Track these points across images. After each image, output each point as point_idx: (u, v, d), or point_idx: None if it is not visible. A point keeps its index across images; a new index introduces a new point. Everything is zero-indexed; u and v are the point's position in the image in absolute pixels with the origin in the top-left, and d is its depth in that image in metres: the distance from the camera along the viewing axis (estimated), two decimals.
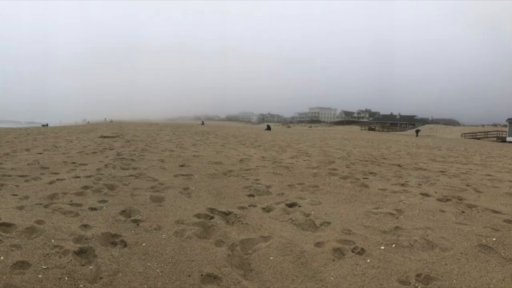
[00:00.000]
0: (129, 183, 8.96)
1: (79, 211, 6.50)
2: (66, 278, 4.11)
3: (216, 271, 4.50)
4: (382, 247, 5.28)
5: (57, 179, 8.96)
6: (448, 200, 8.23)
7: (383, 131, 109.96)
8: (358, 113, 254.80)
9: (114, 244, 5.16)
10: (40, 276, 4.11)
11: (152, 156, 14.32)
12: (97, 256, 4.72)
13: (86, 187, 8.24)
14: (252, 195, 8.29)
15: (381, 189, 9.21)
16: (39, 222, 5.73)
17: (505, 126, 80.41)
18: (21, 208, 6.49)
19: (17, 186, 8.19)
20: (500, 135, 75.48)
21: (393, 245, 5.35)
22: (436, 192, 9.06)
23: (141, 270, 4.46)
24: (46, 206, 6.66)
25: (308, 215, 6.76)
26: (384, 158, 17.27)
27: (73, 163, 11.93)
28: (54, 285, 3.98)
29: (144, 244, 5.20)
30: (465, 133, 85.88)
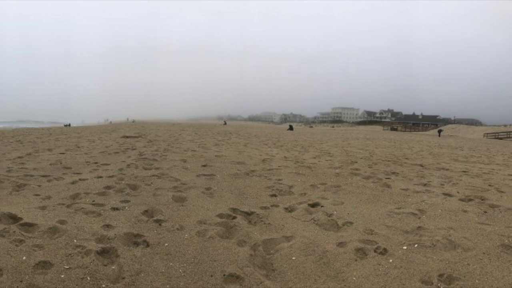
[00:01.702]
0: (151, 183, 8.96)
1: (102, 211, 6.50)
2: (88, 278, 4.11)
3: (239, 271, 4.48)
4: (405, 247, 5.25)
5: (80, 179, 9.00)
6: (470, 200, 8.16)
7: (405, 131, 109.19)
8: (381, 113, 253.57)
9: (136, 244, 5.15)
10: (62, 276, 4.11)
11: (175, 156, 14.33)
12: (119, 256, 4.72)
13: (108, 187, 8.25)
14: (275, 195, 8.26)
15: (404, 189, 9.14)
16: (62, 222, 5.74)
17: None
18: (43, 208, 6.50)
19: (39, 186, 8.22)
20: None
21: (416, 245, 5.31)
22: (458, 192, 8.96)
23: (163, 270, 4.45)
24: (68, 206, 6.68)
25: (330, 215, 6.71)
26: (407, 158, 17.15)
27: (96, 163, 11.98)
28: (77, 285, 3.97)
29: (166, 244, 5.18)
30: (487, 133, 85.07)
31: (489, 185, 10.18)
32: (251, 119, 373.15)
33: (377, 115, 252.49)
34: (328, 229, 6.03)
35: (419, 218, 6.67)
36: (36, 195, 7.41)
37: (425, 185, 9.94)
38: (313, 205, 7.42)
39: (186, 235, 5.55)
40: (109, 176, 9.52)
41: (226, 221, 6.23)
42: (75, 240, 5.06)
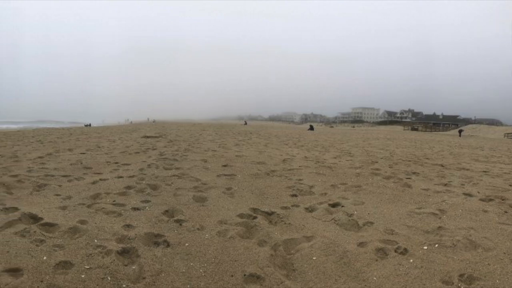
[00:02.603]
0: (172, 183, 8.96)
1: (122, 211, 6.51)
2: (109, 278, 4.10)
3: (259, 271, 4.46)
4: (425, 247, 5.23)
5: (100, 179, 9.02)
6: (491, 200, 8.11)
7: (426, 131, 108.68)
8: (401, 113, 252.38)
9: (157, 244, 5.14)
10: (83, 276, 4.10)
11: (195, 156, 14.34)
12: (140, 256, 4.71)
13: (129, 187, 8.26)
14: (295, 195, 8.23)
15: (424, 189, 9.09)
16: (82, 222, 5.75)
17: None
18: (64, 208, 6.52)
19: (60, 186, 8.25)
20: None
21: (436, 245, 5.29)
22: (479, 192, 8.90)
23: (184, 270, 4.43)
24: (89, 206, 6.70)
25: (351, 215, 6.69)
26: (427, 158, 17.06)
27: (116, 163, 12.02)
28: (97, 285, 3.96)
29: (187, 244, 5.17)
30: (508, 133, 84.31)
31: (510, 185, 10.10)
32: (272, 119, 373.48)
33: (398, 115, 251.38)
34: (349, 229, 6.01)
35: (440, 218, 6.64)
36: (57, 195, 7.44)
37: (445, 185, 9.88)
38: (334, 205, 7.40)
39: (207, 235, 5.54)
40: (130, 176, 9.54)
41: (247, 221, 6.21)
42: (95, 240, 5.06)
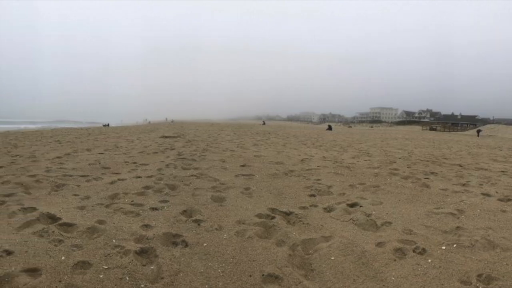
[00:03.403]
0: (190, 183, 8.96)
1: (140, 211, 6.52)
2: (127, 278, 4.09)
3: (277, 271, 4.45)
4: (443, 247, 5.21)
5: (118, 179, 9.05)
6: (509, 200, 8.06)
7: (444, 131, 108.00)
8: (419, 113, 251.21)
9: (175, 244, 5.13)
10: (101, 276, 4.10)
11: (213, 156, 14.36)
12: (158, 256, 4.71)
13: (147, 187, 8.28)
14: (313, 195, 8.20)
15: (442, 189, 9.06)
16: (100, 222, 5.76)
17: None
18: (82, 208, 6.54)
19: (78, 186, 8.28)
20: None
21: (454, 245, 5.27)
22: (497, 192, 8.84)
23: (202, 270, 4.42)
24: (107, 206, 6.71)
25: (369, 215, 6.67)
26: (445, 158, 16.95)
27: (134, 163, 12.05)
28: (115, 285, 3.96)
29: (205, 244, 5.16)
30: None
31: None
32: (290, 119, 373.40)
33: (416, 115, 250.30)
34: (367, 229, 6.00)
35: (458, 218, 6.62)
36: (75, 195, 7.47)
37: (464, 185, 9.83)
38: (352, 205, 7.38)
39: (225, 235, 5.53)
40: (148, 176, 9.56)
41: (265, 221, 6.20)
42: (114, 240, 5.07)
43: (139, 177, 9.46)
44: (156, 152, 15.39)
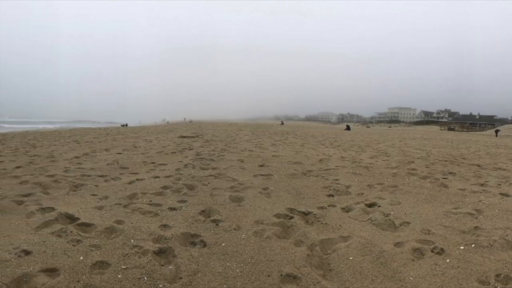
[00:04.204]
0: (208, 183, 8.97)
1: (159, 211, 6.52)
2: (145, 278, 4.09)
3: (296, 271, 4.44)
4: (462, 247, 5.21)
5: (137, 179, 9.07)
6: None
7: (462, 131, 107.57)
8: (438, 113, 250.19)
9: (193, 244, 5.13)
10: (119, 276, 4.10)
11: (232, 156, 14.36)
12: (176, 256, 4.70)
13: (165, 187, 8.29)
14: (332, 195, 8.18)
15: (461, 189, 9.01)
16: (119, 222, 5.77)
17: None
18: (100, 208, 6.56)
19: (96, 186, 8.31)
20: None
21: (473, 245, 5.27)
22: None
23: (220, 270, 4.41)
24: (125, 206, 6.72)
25: (387, 215, 6.66)
26: (464, 158, 16.85)
27: (153, 163, 12.08)
28: (134, 285, 3.95)
29: (223, 244, 5.15)
30: None
31: None
32: (308, 119, 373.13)
33: (434, 115, 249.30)
34: (385, 229, 5.99)
35: (476, 218, 6.59)
36: (93, 195, 7.49)
37: (482, 185, 9.78)
38: (370, 205, 7.37)
39: (243, 235, 5.52)
40: (166, 176, 9.57)
41: (283, 221, 6.19)
42: (132, 240, 5.07)
43: (158, 177, 9.47)
44: (175, 152, 15.42)
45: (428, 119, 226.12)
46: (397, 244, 5.28)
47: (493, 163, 15.37)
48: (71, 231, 5.23)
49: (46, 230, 5.28)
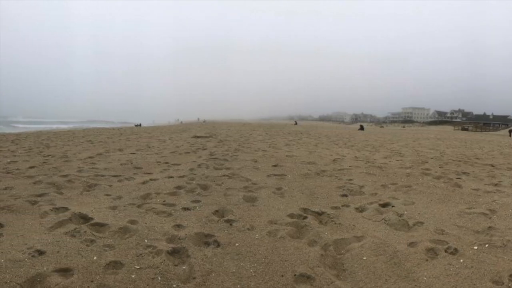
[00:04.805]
0: (222, 183, 8.97)
1: (172, 211, 6.52)
2: (159, 278, 4.09)
3: (309, 271, 4.42)
4: (475, 247, 5.18)
5: (150, 179, 9.09)
6: None
7: (476, 131, 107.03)
8: (451, 113, 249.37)
9: (207, 244, 5.13)
10: (133, 276, 4.10)
11: (245, 156, 14.37)
12: (190, 256, 4.70)
13: (179, 187, 8.29)
14: (345, 195, 8.17)
15: (474, 189, 8.96)
16: (132, 222, 5.78)
17: None
18: (114, 208, 6.57)
19: (110, 186, 8.33)
20: None
21: (486, 245, 5.24)
22: None
23: (234, 270, 4.40)
24: (139, 206, 6.74)
25: (401, 215, 6.63)
26: (477, 158, 16.77)
27: (166, 163, 12.10)
28: (147, 285, 3.95)
29: (237, 244, 5.14)
30: None
31: None
32: (322, 119, 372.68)
33: (448, 115, 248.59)
34: (399, 229, 5.97)
35: (490, 218, 6.55)
36: (107, 195, 7.51)
37: (496, 185, 9.72)
38: (384, 205, 7.34)
39: (257, 235, 5.51)
40: (180, 176, 9.58)
41: (297, 221, 6.18)
42: (146, 240, 5.07)
43: (171, 177, 9.48)
44: (188, 152, 15.45)
45: (441, 119, 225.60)
46: (411, 244, 5.26)
47: (506, 163, 15.28)
48: (85, 231, 5.24)
49: (60, 230, 5.29)
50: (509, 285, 4.12)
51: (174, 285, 3.99)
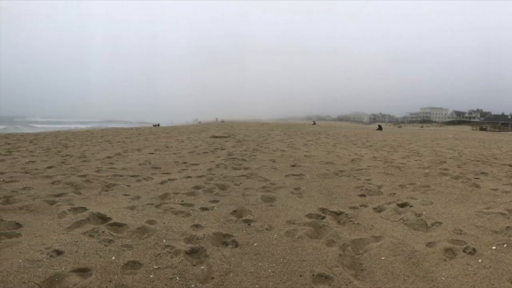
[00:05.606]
0: (240, 183, 8.96)
1: (191, 211, 6.52)
2: (177, 278, 4.08)
3: (328, 271, 4.41)
4: (494, 247, 5.15)
5: (169, 179, 9.10)
6: None
7: (494, 131, 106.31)
8: (470, 113, 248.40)
9: (225, 244, 5.12)
10: (151, 276, 4.09)
11: (263, 156, 14.36)
12: (208, 256, 4.69)
13: (197, 187, 8.30)
14: (364, 195, 8.14)
15: (493, 189, 8.90)
16: (151, 222, 5.78)
17: None
18: (132, 208, 6.58)
19: (128, 186, 8.35)
20: None
21: (505, 245, 5.20)
22: None
23: (252, 270, 4.39)
24: (157, 206, 6.74)
25: (419, 215, 6.59)
26: (496, 158, 16.64)
27: (185, 163, 12.12)
28: (166, 285, 3.95)
29: (255, 244, 5.13)
30: None
31: None
32: (340, 119, 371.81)
33: (466, 115, 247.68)
34: (417, 229, 5.95)
35: (508, 218, 6.49)
36: (125, 195, 7.53)
37: None
38: (402, 205, 7.31)
39: (275, 235, 5.49)
40: (198, 176, 9.59)
41: (315, 221, 6.16)
42: (164, 240, 5.07)
43: (189, 177, 9.49)
44: (206, 152, 15.48)
45: (460, 119, 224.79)
46: (429, 244, 5.24)
47: None
48: (103, 231, 5.25)
49: (78, 230, 5.31)
50: None
51: (193, 285, 3.98)
